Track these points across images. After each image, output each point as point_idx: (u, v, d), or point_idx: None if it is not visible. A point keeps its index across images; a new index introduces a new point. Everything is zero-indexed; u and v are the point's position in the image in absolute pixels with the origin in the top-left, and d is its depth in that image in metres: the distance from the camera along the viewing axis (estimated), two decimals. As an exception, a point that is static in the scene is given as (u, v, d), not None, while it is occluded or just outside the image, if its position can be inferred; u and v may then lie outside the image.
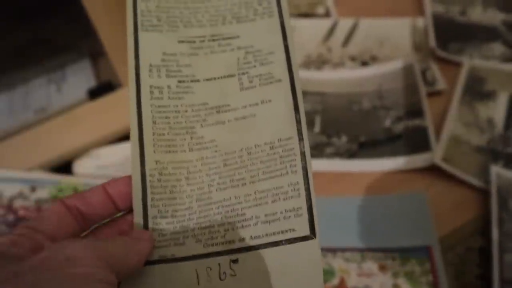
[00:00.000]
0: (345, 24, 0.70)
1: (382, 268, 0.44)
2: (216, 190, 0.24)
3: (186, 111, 0.25)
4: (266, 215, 0.24)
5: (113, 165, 0.54)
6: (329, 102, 0.60)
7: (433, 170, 0.51)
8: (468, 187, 0.50)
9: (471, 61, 0.62)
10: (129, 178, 0.24)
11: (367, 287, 0.42)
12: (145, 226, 0.23)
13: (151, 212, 0.24)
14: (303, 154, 0.25)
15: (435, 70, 0.62)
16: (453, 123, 0.55)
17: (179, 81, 0.25)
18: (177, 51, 0.26)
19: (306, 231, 0.24)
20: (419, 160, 0.52)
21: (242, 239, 0.24)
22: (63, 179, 0.52)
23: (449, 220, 0.47)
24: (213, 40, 0.26)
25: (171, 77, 0.25)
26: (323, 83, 0.63)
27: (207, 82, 0.26)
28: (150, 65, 0.25)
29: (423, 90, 0.59)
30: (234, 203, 0.24)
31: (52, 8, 0.65)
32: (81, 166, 0.55)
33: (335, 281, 0.43)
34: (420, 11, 0.71)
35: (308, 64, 0.65)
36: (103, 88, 0.63)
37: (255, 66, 0.26)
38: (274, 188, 0.24)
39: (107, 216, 0.24)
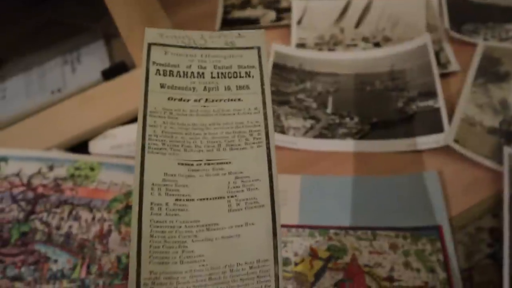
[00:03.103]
0: (358, 4, 0.69)
1: (393, 246, 0.44)
2: None
3: (180, 227, 0.27)
4: None
5: (127, 144, 0.55)
6: (341, 83, 0.60)
7: (445, 151, 0.51)
8: (480, 168, 0.50)
9: (485, 42, 0.62)
10: (125, 287, 0.26)
11: (378, 265, 0.43)
12: None
13: None
14: (276, 276, 0.27)
15: (449, 51, 0.62)
16: (466, 104, 0.55)
17: (176, 199, 0.28)
18: (176, 172, 0.28)
19: None
20: (431, 141, 0.52)
21: None
22: (80, 158, 0.53)
23: (461, 201, 0.48)
24: (209, 164, 0.29)
25: (170, 195, 0.28)
26: (335, 64, 0.63)
27: (200, 202, 0.28)
28: (153, 184, 0.27)
29: (436, 71, 0.58)
30: None
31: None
32: (96, 146, 0.56)
33: (347, 258, 0.44)
34: (435, -8, 0.70)
35: (320, 45, 0.65)
36: (117, 69, 0.64)
37: (242, 191, 0.28)
38: None
39: None
